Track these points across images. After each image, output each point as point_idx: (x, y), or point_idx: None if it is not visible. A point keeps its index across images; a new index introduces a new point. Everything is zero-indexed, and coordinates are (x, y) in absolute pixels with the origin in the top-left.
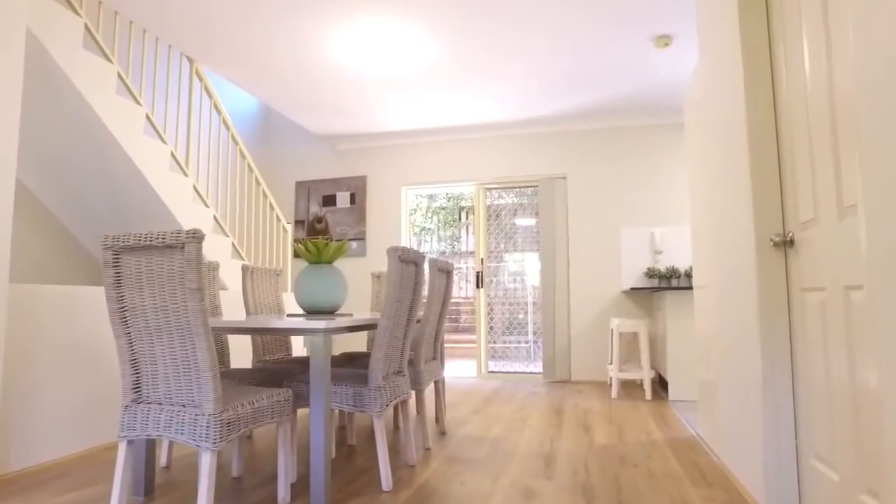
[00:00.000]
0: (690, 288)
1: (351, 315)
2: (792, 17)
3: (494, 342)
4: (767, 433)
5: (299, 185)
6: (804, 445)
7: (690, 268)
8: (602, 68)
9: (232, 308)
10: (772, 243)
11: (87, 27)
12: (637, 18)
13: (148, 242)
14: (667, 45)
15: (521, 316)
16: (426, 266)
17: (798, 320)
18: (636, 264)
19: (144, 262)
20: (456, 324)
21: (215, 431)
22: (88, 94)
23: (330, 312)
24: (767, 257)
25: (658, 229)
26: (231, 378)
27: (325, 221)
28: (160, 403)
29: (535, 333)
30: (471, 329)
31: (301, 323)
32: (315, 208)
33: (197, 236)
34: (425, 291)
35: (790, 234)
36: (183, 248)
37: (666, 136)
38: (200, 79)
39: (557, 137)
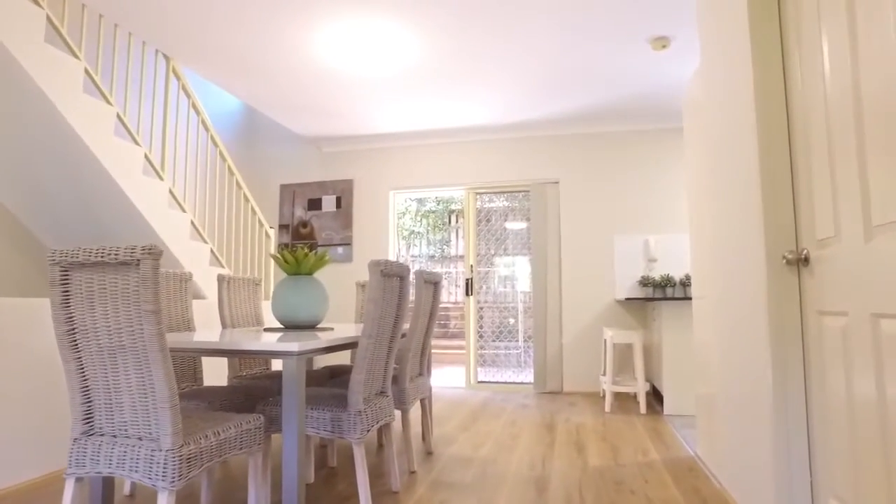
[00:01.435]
0: (686, 298)
1: (332, 329)
2: (809, 9)
3: (484, 348)
4: (780, 468)
5: (284, 188)
6: (821, 482)
7: (686, 276)
8: (597, 71)
9: (209, 319)
10: (784, 261)
11: (49, 19)
12: (633, 19)
13: (99, 258)
14: (664, 46)
15: (511, 321)
16: (411, 278)
17: (814, 345)
18: (630, 272)
19: (97, 279)
20: (445, 329)
21: (174, 469)
22: (52, 91)
23: (310, 327)
24: (779, 275)
25: (653, 237)
26: (201, 399)
27: (310, 226)
28: (114, 436)
29: (525, 340)
30: (460, 335)
31: (273, 344)
32: (300, 212)
33: (153, 252)
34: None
35: (804, 252)
36: (138, 264)
37: (662, 140)
38: (178, 77)
39: (550, 141)
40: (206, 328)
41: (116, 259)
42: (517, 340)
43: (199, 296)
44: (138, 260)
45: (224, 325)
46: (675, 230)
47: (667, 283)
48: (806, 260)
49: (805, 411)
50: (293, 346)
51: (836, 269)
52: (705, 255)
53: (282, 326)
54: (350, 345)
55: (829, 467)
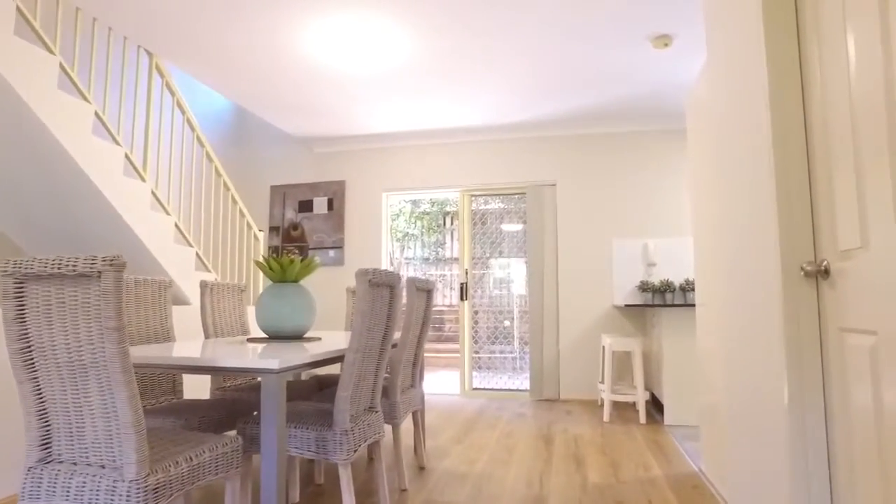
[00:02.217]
0: (687, 305)
1: (319, 339)
2: (831, 1)
3: (479, 352)
4: (797, 495)
5: (274, 189)
6: None
7: (686, 281)
8: (596, 71)
9: (194, 326)
10: (802, 272)
11: (20, 10)
12: (634, 17)
13: (56, 270)
14: (666, 45)
15: (506, 324)
16: (403, 287)
17: (835, 363)
18: (628, 277)
19: (54, 292)
20: (439, 332)
21: (137, 502)
22: (22, 87)
23: (296, 337)
24: (796, 288)
25: (652, 240)
26: (178, 415)
27: (301, 228)
28: (74, 463)
29: (521, 344)
30: (454, 338)
31: (251, 360)
32: (291, 214)
33: (115, 263)
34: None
35: (824, 263)
36: (99, 277)
37: (663, 142)
38: (161, 75)
39: (547, 143)
40: (190, 337)
41: (75, 271)
42: (512, 344)
43: (184, 302)
44: (99, 272)
45: (207, 335)
46: (674, 234)
47: (666, 288)
48: (826, 272)
49: (825, 434)
50: (273, 363)
51: (863, 284)
52: (710, 262)
53: (266, 337)
54: (337, 358)
55: (855, 495)
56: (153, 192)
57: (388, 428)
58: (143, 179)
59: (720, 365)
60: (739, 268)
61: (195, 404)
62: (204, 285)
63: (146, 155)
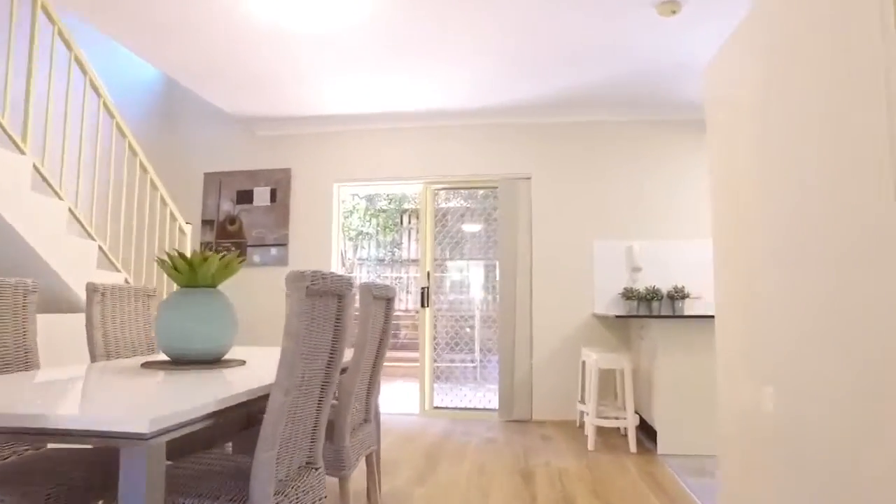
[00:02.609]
0: (682, 316)
1: (243, 363)
2: None
3: (437, 360)
4: None
5: (208, 177)
6: None
7: (675, 288)
8: (585, 44)
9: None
10: None
11: None
12: None
13: None
14: (674, 12)
15: (467, 330)
16: (355, 294)
17: None
18: (611, 283)
19: None
20: (395, 340)
21: None
22: None
23: (211, 361)
24: None
25: (637, 242)
26: (21, 481)
27: (238, 222)
28: None
29: (483, 352)
30: (411, 345)
31: (96, 418)
32: (227, 206)
33: None
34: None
35: None
36: None
37: (653, 133)
38: (52, 22)
39: (522, 131)
40: (85, 356)
41: None
42: (473, 353)
43: (80, 309)
44: None
45: (95, 357)
46: (662, 236)
47: (653, 296)
48: None
49: None
50: (139, 425)
51: None
52: (751, 268)
53: (169, 361)
54: (257, 400)
55: None
56: (37, 168)
57: (333, 483)
58: (21, 152)
59: (755, 385)
60: (810, 280)
61: (60, 459)
62: (92, 289)
63: (27, 122)
